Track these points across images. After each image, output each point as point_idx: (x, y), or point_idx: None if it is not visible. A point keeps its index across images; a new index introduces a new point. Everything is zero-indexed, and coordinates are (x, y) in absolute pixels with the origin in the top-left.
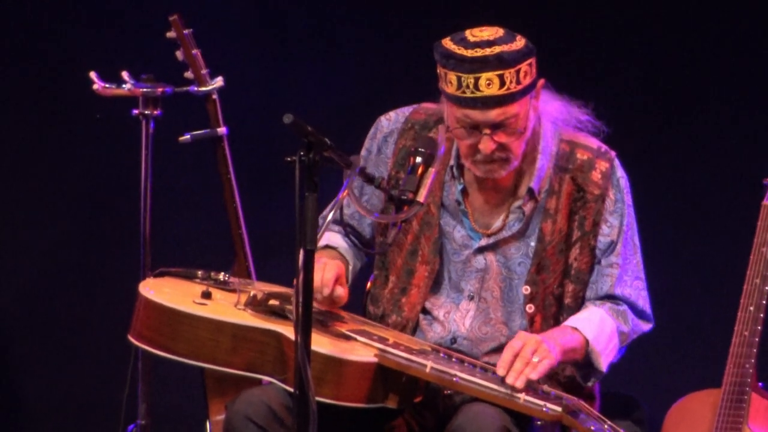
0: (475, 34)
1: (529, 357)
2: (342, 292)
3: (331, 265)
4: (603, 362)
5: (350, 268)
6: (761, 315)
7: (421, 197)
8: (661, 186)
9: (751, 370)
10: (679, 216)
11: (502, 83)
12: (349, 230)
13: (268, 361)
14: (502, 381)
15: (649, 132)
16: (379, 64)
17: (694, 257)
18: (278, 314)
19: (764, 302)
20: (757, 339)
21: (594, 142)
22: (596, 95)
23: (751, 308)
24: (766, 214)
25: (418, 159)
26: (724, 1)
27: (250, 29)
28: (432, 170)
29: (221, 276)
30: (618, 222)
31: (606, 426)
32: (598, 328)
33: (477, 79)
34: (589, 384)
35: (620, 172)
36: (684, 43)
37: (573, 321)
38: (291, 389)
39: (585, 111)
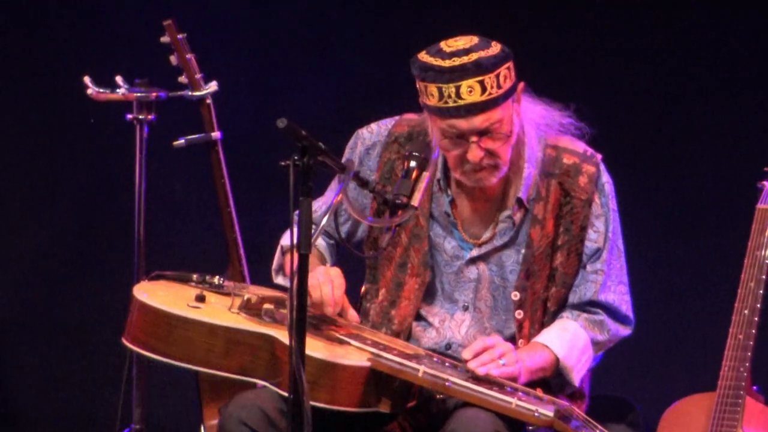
0: (450, 44)
1: (495, 356)
2: (354, 316)
3: (338, 283)
4: (575, 377)
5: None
6: (756, 318)
7: (416, 201)
8: (655, 189)
9: (745, 374)
10: (673, 219)
11: (484, 89)
12: (329, 235)
13: (261, 364)
14: (464, 365)
15: (643, 135)
16: (373, 68)
17: (689, 260)
18: (272, 318)
19: (759, 306)
20: (751, 342)
21: (580, 146)
22: (588, 97)
23: (746, 312)
24: (761, 217)
25: (413, 163)
26: (716, 1)
27: (244, 34)
28: (426, 174)
29: (216, 279)
30: (604, 227)
31: (597, 431)
32: (569, 344)
33: (458, 88)
34: (564, 392)
35: (606, 177)
36: (680, 45)
37: (545, 337)
38: (284, 393)
39: (566, 114)
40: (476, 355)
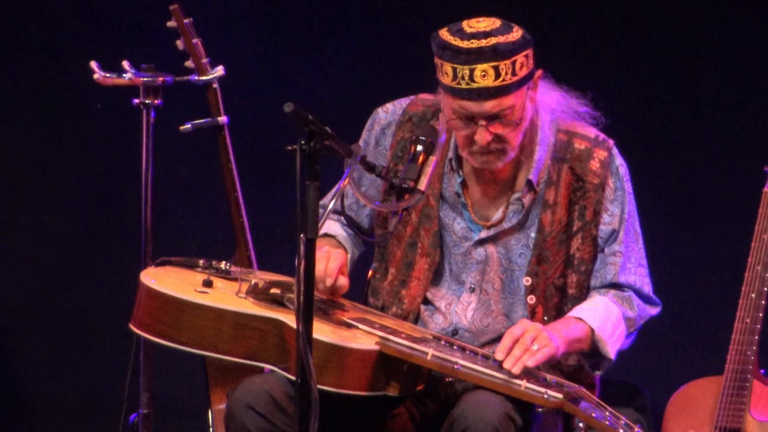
0: (471, 24)
1: (528, 344)
2: (344, 282)
3: (335, 254)
4: (610, 349)
5: (349, 257)
6: (762, 302)
7: (422, 185)
8: (662, 174)
9: (752, 357)
10: (680, 203)
11: (498, 75)
12: (348, 220)
13: (270, 349)
14: (500, 366)
15: (650, 121)
16: (380, 53)
17: (696, 245)
18: (279, 303)
19: (766, 289)
20: (758, 326)
21: (591, 131)
22: (598, 86)
23: (753, 295)
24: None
25: (419, 147)
26: None
27: (250, 18)
28: (433, 158)
29: (223, 265)
30: (619, 210)
31: (607, 413)
32: (603, 316)
33: (472, 71)
34: (599, 372)
35: (619, 160)
36: (685, 33)
37: (577, 311)
38: (292, 377)
39: (583, 102)
40: (508, 352)
